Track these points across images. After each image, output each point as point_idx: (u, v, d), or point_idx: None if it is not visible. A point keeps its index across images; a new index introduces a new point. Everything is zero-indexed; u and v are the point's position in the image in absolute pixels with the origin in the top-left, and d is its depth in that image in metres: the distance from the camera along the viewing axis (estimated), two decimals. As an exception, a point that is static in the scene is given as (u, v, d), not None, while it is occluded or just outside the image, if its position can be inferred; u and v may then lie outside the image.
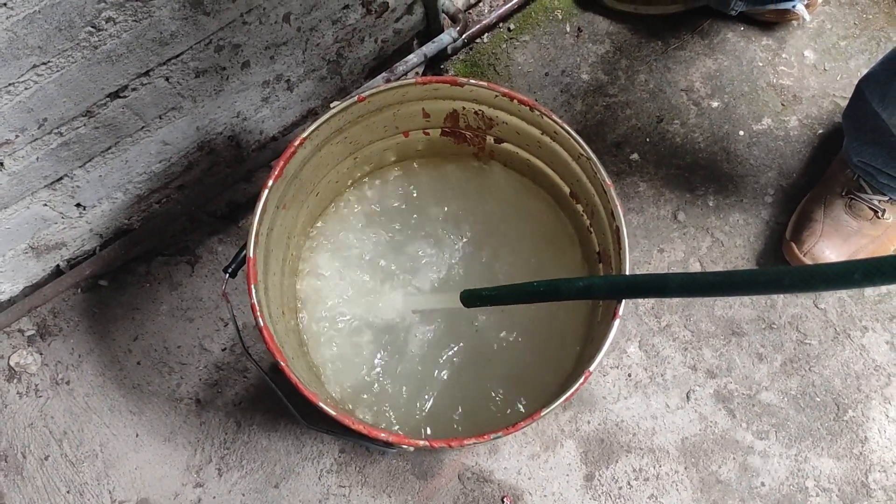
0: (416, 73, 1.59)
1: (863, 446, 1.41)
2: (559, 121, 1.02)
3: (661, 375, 1.45)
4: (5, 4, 0.88)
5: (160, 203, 1.44)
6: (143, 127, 1.22)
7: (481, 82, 1.03)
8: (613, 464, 1.40)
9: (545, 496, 1.39)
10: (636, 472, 1.40)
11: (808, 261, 1.41)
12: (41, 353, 1.45)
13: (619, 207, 0.98)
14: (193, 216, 1.50)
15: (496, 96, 1.05)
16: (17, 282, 1.37)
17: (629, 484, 1.39)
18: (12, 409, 1.43)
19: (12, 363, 1.43)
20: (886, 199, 1.41)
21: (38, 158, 1.12)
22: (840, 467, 1.40)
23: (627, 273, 0.97)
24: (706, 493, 1.38)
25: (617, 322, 0.95)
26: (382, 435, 0.92)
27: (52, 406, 1.43)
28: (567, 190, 1.15)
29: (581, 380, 0.92)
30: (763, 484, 1.39)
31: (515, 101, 1.04)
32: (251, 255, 0.96)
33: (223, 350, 1.47)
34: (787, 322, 1.47)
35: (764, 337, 1.47)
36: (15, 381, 1.44)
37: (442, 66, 1.65)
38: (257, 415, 1.43)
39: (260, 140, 1.48)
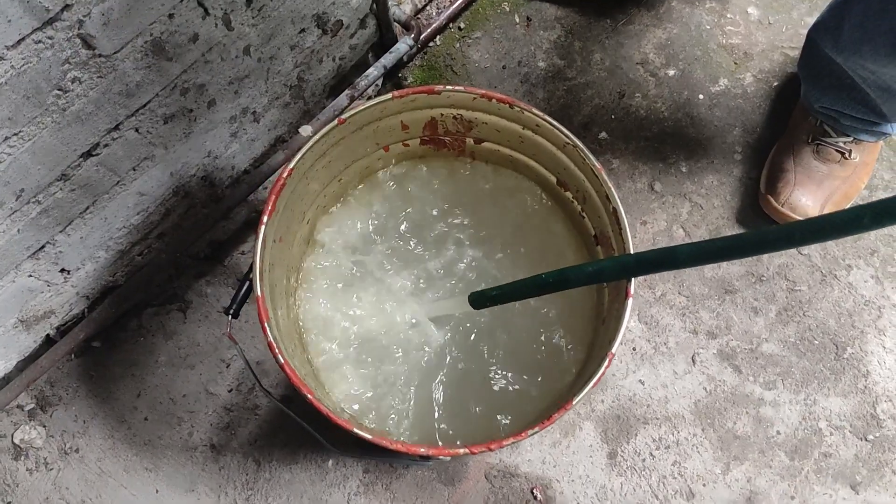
0: (376, 86, 1.59)
1: (866, 380, 1.45)
2: (540, 114, 1.03)
3: (665, 344, 1.48)
4: (-28, 82, 0.86)
5: (142, 255, 1.42)
6: (118, 182, 1.20)
7: (458, 87, 1.04)
8: (633, 437, 1.42)
9: (573, 480, 1.40)
10: (656, 441, 1.42)
11: (787, 211, 1.45)
12: (44, 426, 1.42)
13: (613, 189, 0.99)
14: (177, 262, 1.48)
15: (474, 98, 1.06)
16: (10, 358, 1.33)
17: (651, 454, 1.41)
18: (24, 488, 1.39)
19: (17, 440, 1.40)
20: (851, 139, 1.45)
21: (19, 231, 1.10)
22: (848, 404, 1.44)
23: (631, 251, 0.98)
24: (726, 451, 1.41)
25: (630, 301, 0.96)
26: (422, 450, 0.92)
27: (66, 477, 1.40)
28: (554, 179, 1.16)
29: (606, 362, 0.94)
30: (779, 433, 1.42)
31: (494, 100, 1.04)
32: (258, 293, 0.96)
33: (230, 391, 1.45)
34: (776, 273, 1.51)
35: (756, 291, 1.50)
36: (22, 458, 1.40)
37: (400, 75, 1.65)
38: (275, 450, 1.42)
39: (233, 175, 1.46)
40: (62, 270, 1.26)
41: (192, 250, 1.49)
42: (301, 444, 1.41)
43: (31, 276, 1.20)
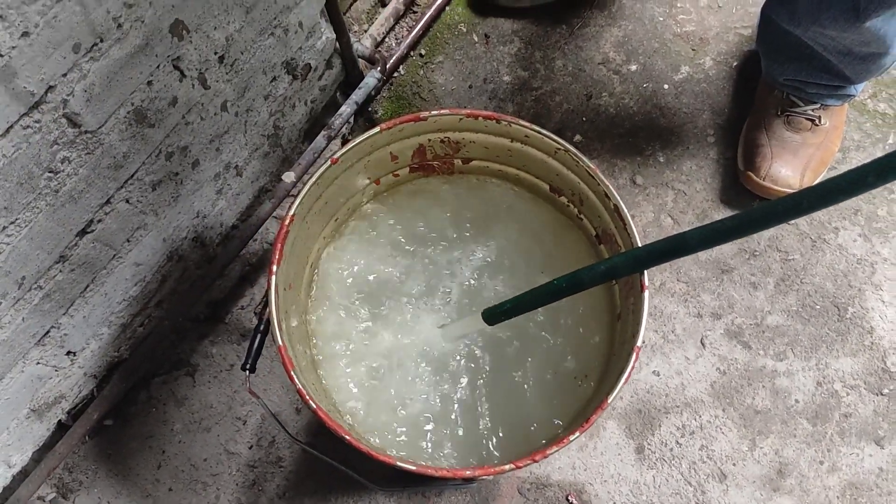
0: (349, 123, 1.60)
1: (871, 336, 1.48)
2: (527, 124, 1.05)
3: (672, 332, 1.49)
4: (-34, 176, 0.85)
5: (144, 325, 1.40)
6: (114, 255, 1.19)
7: (443, 110, 1.05)
8: (657, 429, 1.44)
9: (605, 481, 1.41)
10: (680, 429, 1.43)
11: (768, 184, 1.48)
12: (69, 514, 1.39)
13: (611, 187, 1.01)
14: (179, 328, 1.47)
15: (460, 119, 1.07)
16: (26, 450, 1.31)
17: (678, 443, 1.43)
18: (57, 580, 1.36)
19: (43, 534, 1.37)
20: (818, 106, 1.49)
21: (23, 319, 1.08)
22: (858, 362, 1.46)
23: (639, 244, 1.00)
24: (749, 427, 1.43)
25: (647, 293, 0.98)
26: (467, 472, 0.92)
27: (98, 562, 1.37)
28: (547, 187, 1.18)
29: (633, 357, 0.95)
30: (797, 401, 1.44)
31: (481, 118, 1.06)
32: (280, 342, 0.95)
33: (250, 448, 1.44)
34: (767, 246, 1.54)
35: (751, 266, 1.53)
36: (51, 550, 1.37)
37: (370, 109, 1.66)
38: (305, 499, 1.40)
39: (222, 232, 1.46)
40: (68, 353, 1.24)
41: (192, 313, 1.48)
42: (331, 488, 1.40)
43: (38, 363, 1.18)
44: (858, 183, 0.72)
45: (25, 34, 0.82)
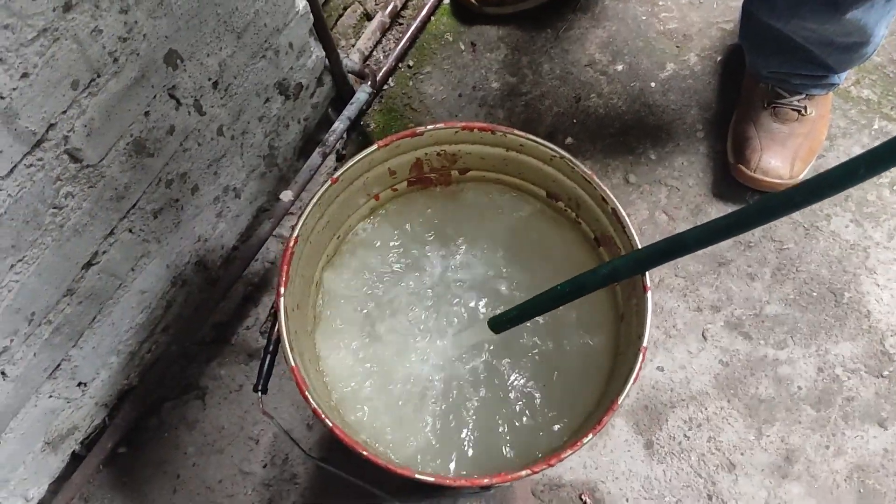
0: (342, 138, 1.61)
1: (869, 320, 1.50)
2: (522, 133, 1.06)
3: (674, 327, 1.51)
4: (-25, 219, 0.86)
5: (151, 352, 1.41)
6: (120, 285, 1.20)
7: (438, 124, 1.07)
8: (665, 423, 1.45)
9: (617, 478, 1.42)
10: (687, 422, 1.45)
11: (760, 176, 1.51)
12: (87, 544, 1.40)
13: (608, 191, 1.03)
14: (186, 352, 1.48)
15: (456, 132, 1.09)
16: (42, 483, 1.31)
17: (685, 436, 1.44)
18: None
19: (62, 565, 1.37)
20: (804, 96, 1.51)
21: (35, 354, 1.09)
22: (858, 346, 1.49)
23: (639, 246, 1.02)
24: (755, 417, 1.45)
25: (650, 294, 1.00)
26: (485, 480, 0.94)
27: (119, 589, 1.38)
28: (544, 193, 1.19)
29: (640, 357, 0.96)
30: (800, 388, 1.46)
31: (476, 129, 1.08)
32: (293, 363, 0.96)
33: (264, 466, 1.45)
34: (761, 236, 1.56)
35: (747, 257, 1.55)
36: (72, 580, 1.38)
37: (362, 123, 1.67)
38: (322, 514, 1.42)
39: (223, 254, 1.47)
40: (79, 384, 1.25)
41: (198, 336, 1.49)
42: (347, 501, 1.41)
43: (51, 396, 1.19)
44: (851, 176, 0.73)
45: (25, 75, 0.83)
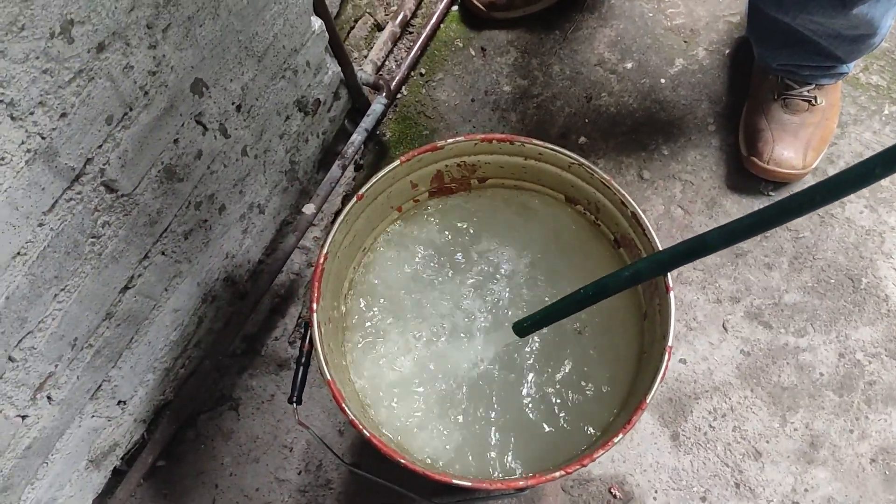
0: (360, 149, 1.64)
1: (887, 304, 1.52)
2: (540, 143, 1.09)
3: (694, 319, 1.54)
4: (19, 253, 0.89)
5: (185, 367, 1.45)
6: (154, 305, 1.24)
7: (458, 138, 1.09)
8: (690, 415, 1.48)
9: (645, 470, 1.45)
10: (712, 413, 1.48)
11: (773, 167, 1.53)
12: (132, 556, 1.44)
13: (628, 195, 1.05)
14: (218, 365, 1.51)
15: (475, 144, 1.12)
16: (87, 499, 1.36)
17: (711, 426, 1.47)
18: None
19: (110, 578, 1.41)
20: (813, 86, 1.53)
21: (78, 377, 1.13)
22: (877, 330, 1.51)
23: (659, 248, 1.04)
24: (778, 405, 1.47)
25: (672, 294, 1.02)
26: (521, 482, 0.97)
27: None
28: (563, 197, 1.22)
29: (666, 356, 0.99)
30: (822, 374, 1.48)
31: (495, 141, 1.10)
32: (328, 377, 1.00)
33: (299, 473, 1.48)
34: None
35: (764, 247, 1.57)
36: (120, 592, 1.42)
37: (378, 132, 1.70)
38: (358, 518, 1.45)
39: (250, 269, 1.51)
40: (119, 403, 1.29)
41: (229, 349, 1.53)
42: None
43: (93, 416, 1.23)
44: (868, 175, 0.76)
45: (63, 115, 0.86)
